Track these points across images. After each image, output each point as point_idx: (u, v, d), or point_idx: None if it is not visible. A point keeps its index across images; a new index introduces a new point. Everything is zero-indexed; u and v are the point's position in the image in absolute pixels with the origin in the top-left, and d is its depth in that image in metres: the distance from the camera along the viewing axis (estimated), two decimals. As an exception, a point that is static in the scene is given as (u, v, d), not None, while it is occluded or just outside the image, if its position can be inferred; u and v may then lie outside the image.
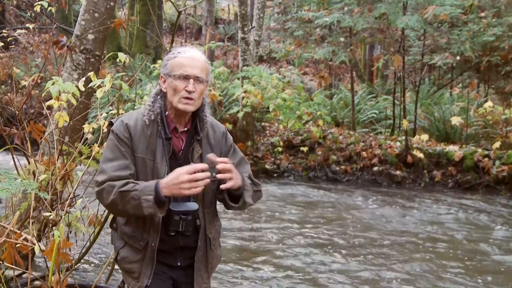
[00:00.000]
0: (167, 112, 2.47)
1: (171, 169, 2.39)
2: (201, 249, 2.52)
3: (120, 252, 2.52)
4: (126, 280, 2.54)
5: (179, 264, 2.52)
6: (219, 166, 2.35)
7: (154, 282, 2.47)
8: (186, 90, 2.38)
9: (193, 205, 2.42)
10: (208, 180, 2.30)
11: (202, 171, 2.31)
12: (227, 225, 6.83)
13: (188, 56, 2.42)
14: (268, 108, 10.59)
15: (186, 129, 2.49)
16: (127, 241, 2.50)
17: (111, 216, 2.75)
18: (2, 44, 5.91)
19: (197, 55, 2.45)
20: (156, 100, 2.48)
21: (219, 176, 2.36)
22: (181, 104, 2.40)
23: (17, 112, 4.26)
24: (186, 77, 2.39)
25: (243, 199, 2.46)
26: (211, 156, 2.39)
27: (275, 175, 10.41)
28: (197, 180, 2.29)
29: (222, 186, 2.38)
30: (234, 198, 2.48)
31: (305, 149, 10.69)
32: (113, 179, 2.35)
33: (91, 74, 3.74)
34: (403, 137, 10.12)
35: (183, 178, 2.27)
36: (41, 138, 4.14)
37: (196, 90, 2.39)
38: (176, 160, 2.45)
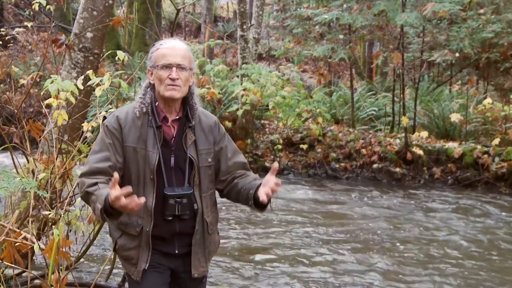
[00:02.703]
0: (157, 103, 2.57)
1: (163, 156, 2.51)
2: (199, 233, 2.59)
3: (118, 241, 2.60)
4: (126, 268, 2.62)
5: (176, 252, 2.58)
6: (272, 189, 2.40)
7: (151, 275, 2.56)
8: (170, 78, 2.48)
9: (186, 189, 2.51)
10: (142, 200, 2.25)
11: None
12: (225, 222, 6.83)
13: (169, 46, 2.54)
14: (267, 105, 10.58)
15: (177, 117, 2.58)
16: (123, 229, 2.57)
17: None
18: (1, 42, 5.90)
19: (178, 45, 2.56)
20: (146, 92, 2.58)
21: (269, 194, 2.40)
22: (167, 91, 2.50)
23: (16, 111, 4.26)
24: (168, 66, 2.49)
25: (270, 206, 2.53)
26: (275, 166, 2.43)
27: (274, 172, 10.41)
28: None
29: (263, 198, 2.41)
30: (258, 205, 2.53)
31: (304, 146, 10.68)
32: (92, 171, 2.46)
33: (89, 72, 3.74)
34: (403, 134, 10.11)
35: (121, 203, 2.21)
36: (40, 136, 4.14)
37: (180, 77, 2.50)
38: (168, 148, 2.54)
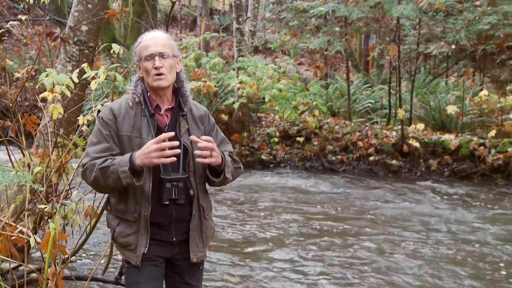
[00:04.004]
0: (148, 93, 2.65)
1: None
2: (196, 218, 2.67)
3: (116, 229, 2.66)
4: (125, 255, 2.66)
5: (174, 239, 2.65)
6: (201, 145, 2.49)
7: (148, 268, 2.64)
8: (154, 68, 2.57)
9: (181, 173, 2.59)
10: (178, 150, 2.48)
11: (170, 139, 2.47)
12: (223, 214, 6.84)
13: (149, 38, 2.63)
14: (263, 98, 10.57)
15: (170, 106, 2.67)
16: (121, 217, 2.64)
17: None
18: (-5, 36, 5.86)
19: (158, 35, 2.66)
20: (137, 84, 2.67)
21: (198, 152, 2.51)
22: (154, 81, 2.58)
23: (11, 105, 4.24)
24: (151, 56, 2.58)
25: (223, 175, 2.63)
26: (193, 137, 2.53)
27: (271, 165, 10.42)
28: (165, 149, 2.45)
29: (204, 161, 2.52)
30: (215, 173, 2.65)
31: (301, 139, 10.68)
32: (95, 160, 2.54)
33: (85, 65, 3.72)
34: (399, 127, 10.12)
35: (151, 148, 2.44)
36: (35, 130, 4.12)
37: (164, 65, 2.58)
38: None
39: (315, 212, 7.21)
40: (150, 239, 2.60)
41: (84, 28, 4.54)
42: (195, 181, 2.65)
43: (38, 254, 4.85)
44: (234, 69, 10.77)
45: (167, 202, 2.57)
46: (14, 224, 3.23)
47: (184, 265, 2.71)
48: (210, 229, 2.78)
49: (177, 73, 2.68)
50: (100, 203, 3.82)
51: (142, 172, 2.50)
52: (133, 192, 2.59)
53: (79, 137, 4.00)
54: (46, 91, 3.60)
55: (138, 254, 2.59)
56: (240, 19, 10.67)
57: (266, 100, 10.42)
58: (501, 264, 5.36)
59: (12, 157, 4.18)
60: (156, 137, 2.52)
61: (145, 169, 2.55)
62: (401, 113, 9.86)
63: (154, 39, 2.62)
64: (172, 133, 2.46)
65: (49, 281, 2.96)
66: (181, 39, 14.37)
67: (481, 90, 11.35)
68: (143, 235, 2.59)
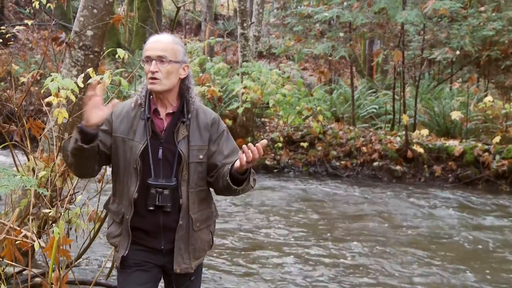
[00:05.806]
0: (152, 96, 2.61)
1: (152, 147, 2.53)
2: (183, 228, 2.57)
3: (108, 229, 2.70)
4: (115, 256, 2.68)
5: (163, 247, 2.58)
6: (252, 155, 2.34)
7: (134, 274, 2.59)
8: (150, 71, 2.51)
9: (169, 181, 2.53)
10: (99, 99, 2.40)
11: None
12: (226, 219, 6.83)
13: (152, 41, 2.56)
14: (268, 103, 10.57)
15: (172, 111, 2.59)
16: (113, 218, 2.67)
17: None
18: (1, 40, 5.90)
19: (162, 38, 2.58)
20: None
21: (242, 156, 2.36)
22: (149, 85, 2.54)
23: (16, 109, 4.25)
24: (149, 59, 2.52)
25: (247, 181, 2.50)
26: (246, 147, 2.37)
27: (275, 170, 10.41)
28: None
29: (243, 163, 2.37)
30: (236, 181, 2.50)
31: (305, 144, 10.68)
32: None
33: (90, 70, 3.74)
34: (403, 132, 10.11)
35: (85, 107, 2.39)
36: (40, 134, 4.13)
37: (160, 70, 2.50)
38: (158, 140, 2.56)
39: (319, 217, 7.20)
40: (136, 243, 2.57)
41: (89, 33, 4.56)
42: (187, 190, 2.56)
43: (42, 258, 4.85)
44: (238, 74, 10.79)
45: (152, 208, 2.52)
46: (18, 228, 3.23)
47: (173, 275, 2.63)
48: (201, 241, 2.65)
49: (183, 79, 2.59)
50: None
51: (90, 134, 2.40)
52: (121, 194, 2.60)
53: (84, 141, 4.00)
54: (51, 95, 3.61)
55: (118, 257, 2.59)
56: (245, 24, 10.69)
57: (270, 105, 10.43)
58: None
59: (17, 161, 4.20)
60: (150, 141, 2.52)
61: (132, 174, 2.53)
62: (405, 118, 9.85)
63: (156, 43, 2.54)
64: (96, 85, 2.43)
65: (53, 285, 2.96)
66: (185, 44, 14.38)
67: (486, 96, 11.32)
68: (125, 238, 2.58)
